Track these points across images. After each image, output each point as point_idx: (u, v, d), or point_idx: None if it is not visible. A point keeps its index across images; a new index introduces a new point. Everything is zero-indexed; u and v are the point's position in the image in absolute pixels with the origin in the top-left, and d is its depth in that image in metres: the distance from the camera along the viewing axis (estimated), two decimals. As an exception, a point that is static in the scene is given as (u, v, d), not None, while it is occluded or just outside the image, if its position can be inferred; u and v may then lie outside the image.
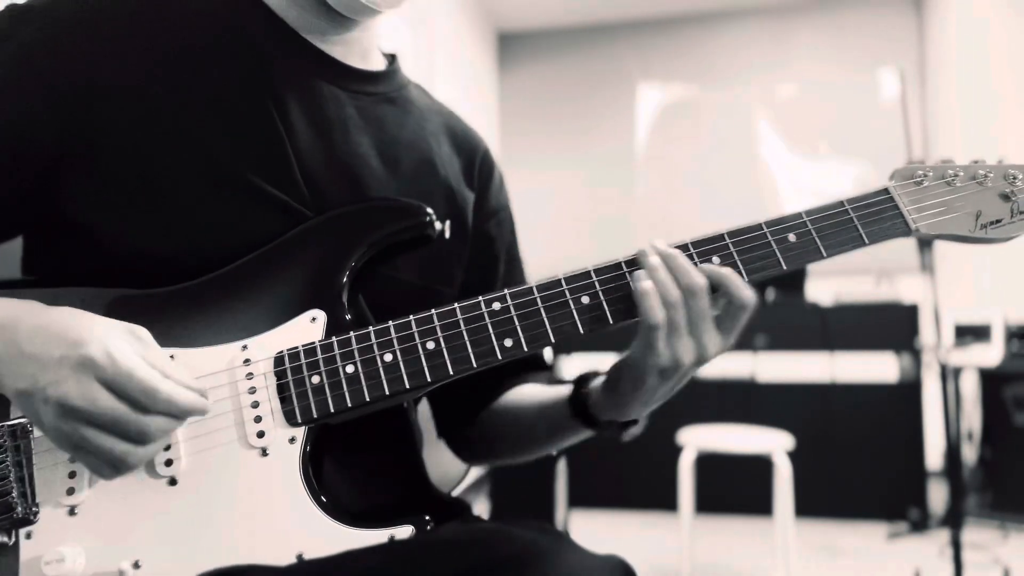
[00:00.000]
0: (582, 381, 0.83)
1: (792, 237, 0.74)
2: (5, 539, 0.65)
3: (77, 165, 0.72)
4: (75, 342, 0.60)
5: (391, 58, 0.92)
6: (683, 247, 0.73)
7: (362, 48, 0.86)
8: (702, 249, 0.73)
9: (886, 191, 0.77)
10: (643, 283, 0.69)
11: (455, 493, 1.01)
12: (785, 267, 0.73)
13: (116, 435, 0.60)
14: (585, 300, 0.71)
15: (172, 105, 0.73)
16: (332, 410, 0.68)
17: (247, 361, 0.69)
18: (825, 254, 0.74)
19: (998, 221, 0.76)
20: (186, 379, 0.64)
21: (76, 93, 0.71)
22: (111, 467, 0.62)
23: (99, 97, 0.72)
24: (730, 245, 0.73)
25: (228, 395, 0.68)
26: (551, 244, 5.03)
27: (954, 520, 2.47)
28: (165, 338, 0.69)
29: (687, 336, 0.70)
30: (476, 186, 0.94)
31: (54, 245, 0.75)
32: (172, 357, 0.69)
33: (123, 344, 0.61)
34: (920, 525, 3.44)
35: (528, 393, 0.94)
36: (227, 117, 0.75)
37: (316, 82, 0.81)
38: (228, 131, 0.75)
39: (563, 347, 3.80)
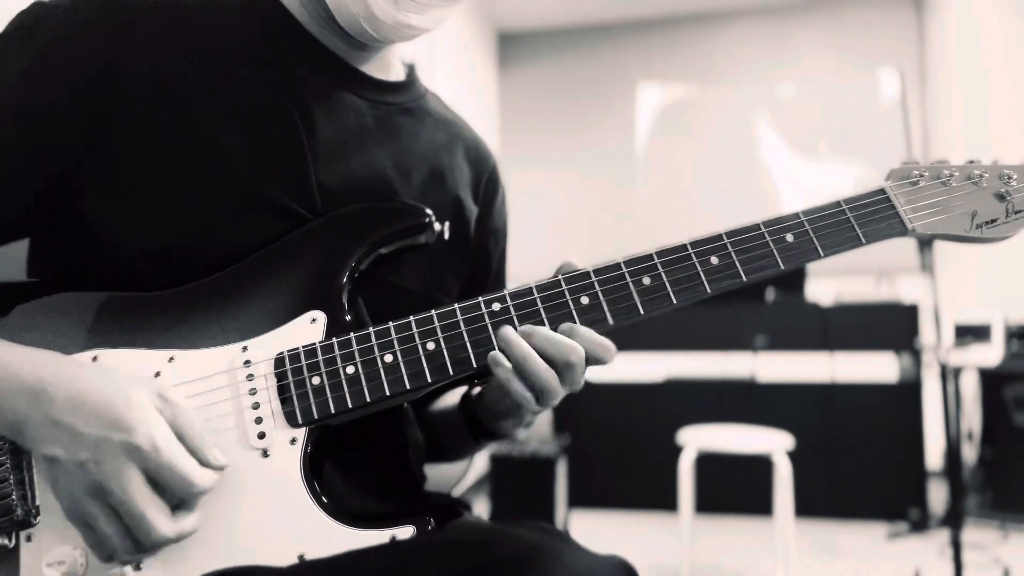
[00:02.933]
0: (471, 400, 0.85)
1: (790, 237, 0.74)
2: (5, 542, 0.65)
3: (95, 163, 0.71)
4: (117, 424, 0.60)
5: (410, 68, 0.93)
6: (681, 247, 0.73)
7: (384, 60, 0.86)
8: (700, 249, 0.73)
9: (882, 191, 0.77)
10: (502, 368, 0.69)
11: (455, 493, 1.02)
12: (783, 267, 0.73)
13: (124, 528, 0.61)
14: (584, 300, 0.71)
15: (193, 106, 0.73)
16: (333, 411, 0.68)
17: (247, 362, 0.69)
18: (822, 254, 0.74)
19: (993, 221, 0.76)
20: (209, 441, 0.64)
21: (99, 89, 0.71)
22: (104, 553, 0.62)
23: (121, 95, 0.71)
24: (728, 245, 0.73)
25: (229, 396, 0.68)
26: (551, 244, 5.03)
27: (954, 520, 2.47)
28: (166, 339, 0.70)
29: (563, 388, 0.71)
30: (481, 202, 0.95)
31: (63, 246, 0.75)
32: (172, 359, 0.69)
33: (165, 429, 0.61)
34: (920, 525, 3.44)
35: (443, 400, 0.95)
36: (248, 122, 0.75)
37: (338, 91, 0.81)
38: (248, 136, 0.75)
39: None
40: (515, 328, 0.70)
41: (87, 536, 0.62)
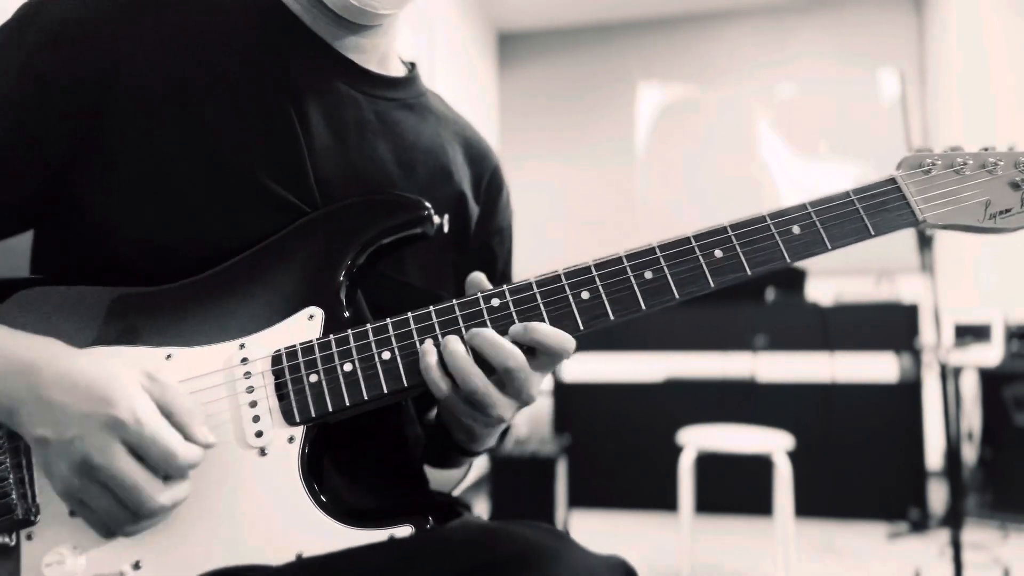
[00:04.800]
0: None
1: (796, 229, 0.73)
2: (6, 540, 0.65)
3: (93, 157, 0.71)
4: (102, 399, 0.60)
5: (411, 66, 0.92)
6: (684, 240, 0.72)
7: (380, 54, 0.86)
8: (703, 242, 0.72)
9: (893, 181, 0.76)
10: (428, 358, 0.68)
11: (455, 493, 1.01)
12: (788, 259, 0.72)
13: (119, 501, 0.61)
14: (585, 295, 0.71)
15: (189, 100, 0.73)
16: (330, 409, 0.68)
17: (244, 360, 0.69)
18: (830, 246, 0.72)
19: (1007, 211, 0.75)
20: (199, 419, 0.64)
21: (96, 83, 0.71)
22: (105, 528, 0.62)
23: (118, 89, 0.71)
24: (732, 238, 0.72)
25: (226, 395, 0.68)
26: (551, 243, 5.02)
27: (954, 520, 2.46)
28: (163, 336, 0.69)
29: (506, 399, 0.69)
30: (482, 202, 0.94)
31: (65, 242, 0.75)
32: (169, 357, 0.68)
33: (148, 404, 0.62)
34: (920, 525, 3.44)
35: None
36: (244, 115, 0.75)
37: (336, 84, 0.80)
38: (244, 129, 0.74)
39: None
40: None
41: (84, 514, 0.62)
